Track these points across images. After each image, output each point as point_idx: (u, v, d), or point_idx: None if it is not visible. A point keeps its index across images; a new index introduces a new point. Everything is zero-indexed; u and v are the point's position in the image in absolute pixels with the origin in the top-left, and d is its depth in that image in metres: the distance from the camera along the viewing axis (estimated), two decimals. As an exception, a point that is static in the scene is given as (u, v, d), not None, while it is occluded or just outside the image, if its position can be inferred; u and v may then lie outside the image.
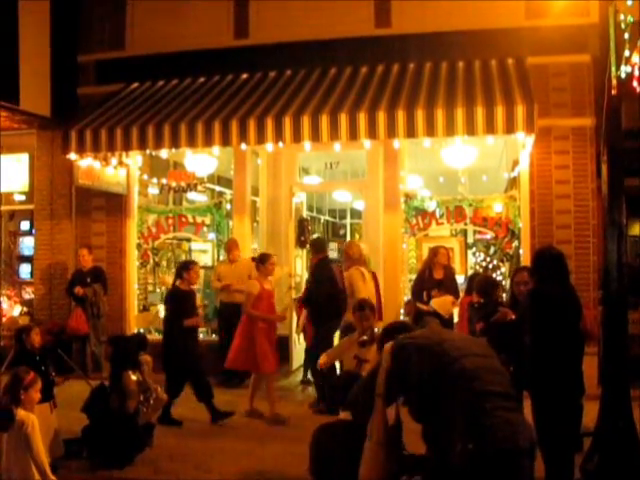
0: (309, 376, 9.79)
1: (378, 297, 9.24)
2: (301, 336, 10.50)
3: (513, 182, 10.56)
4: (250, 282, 8.52)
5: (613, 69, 5.73)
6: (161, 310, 11.33)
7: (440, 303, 8.89)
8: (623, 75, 5.74)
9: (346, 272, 8.75)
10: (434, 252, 9.19)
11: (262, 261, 8.45)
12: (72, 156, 9.83)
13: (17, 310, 11.48)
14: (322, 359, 5.74)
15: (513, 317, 6.01)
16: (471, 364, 3.42)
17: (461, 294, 9.11)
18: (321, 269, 9.10)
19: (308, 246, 10.24)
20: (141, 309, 11.31)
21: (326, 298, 8.69)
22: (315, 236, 10.47)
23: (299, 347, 10.67)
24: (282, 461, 6.36)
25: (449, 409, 3.32)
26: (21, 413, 4.95)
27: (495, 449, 3.23)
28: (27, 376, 5.16)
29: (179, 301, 8.18)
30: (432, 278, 9.04)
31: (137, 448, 6.55)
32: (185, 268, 8.41)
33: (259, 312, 8.15)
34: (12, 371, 5.42)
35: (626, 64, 5.72)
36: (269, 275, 8.48)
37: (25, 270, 12.13)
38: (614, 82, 5.74)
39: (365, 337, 5.19)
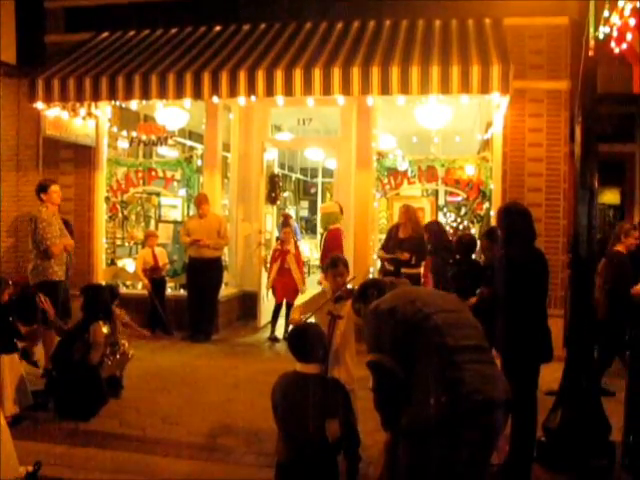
0: (276, 333, 9.85)
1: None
2: (269, 292, 10.54)
3: (486, 144, 10.56)
4: None
5: (591, 29, 5.68)
6: (127, 264, 11.24)
7: None
8: (601, 36, 5.68)
9: None
10: (399, 210, 9.57)
11: None
12: (39, 105, 9.61)
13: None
14: (294, 316, 5.59)
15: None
16: (443, 320, 3.43)
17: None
18: None
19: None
20: (109, 263, 11.18)
21: None
22: None
23: (267, 303, 10.67)
24: (249, 415, 6.39)
25: (422, 366, 3.34)
26: None
27: (467, 401, 3.26)
28: None
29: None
30: (397, 236, 9.30)
31: (100, 400, 6.49)
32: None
33: None
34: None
35: (605, 25, 5.67)
36: None
37: (-10, 221, 11.88)
38: (592, 43, 5.69)
39: (340, 292, 5.11)
